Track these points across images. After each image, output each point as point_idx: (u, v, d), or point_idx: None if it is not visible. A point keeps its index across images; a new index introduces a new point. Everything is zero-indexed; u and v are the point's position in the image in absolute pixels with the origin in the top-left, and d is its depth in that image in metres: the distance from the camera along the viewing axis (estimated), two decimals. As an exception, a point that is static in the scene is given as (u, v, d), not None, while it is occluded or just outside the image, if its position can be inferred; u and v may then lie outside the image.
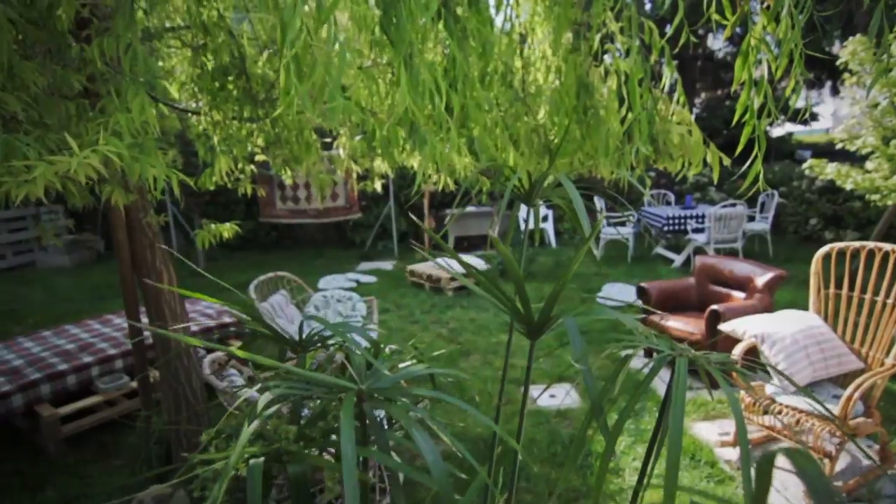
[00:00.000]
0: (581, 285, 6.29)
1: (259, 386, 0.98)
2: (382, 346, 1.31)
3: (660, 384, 3.59)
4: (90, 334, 3.84)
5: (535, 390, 3.71)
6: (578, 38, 1.62)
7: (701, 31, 11.32)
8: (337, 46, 0.85)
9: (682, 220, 6.93)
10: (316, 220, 8.58)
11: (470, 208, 9.08)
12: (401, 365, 1.23)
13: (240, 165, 2.18)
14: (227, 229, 2.41)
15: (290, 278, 4.05)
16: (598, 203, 7.89)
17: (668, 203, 8.60)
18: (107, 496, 2.67)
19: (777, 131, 12.36)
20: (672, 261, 7.10)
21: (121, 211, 2.52)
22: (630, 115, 1.64)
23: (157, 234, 2.66)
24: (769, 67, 1.31)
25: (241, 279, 4.56)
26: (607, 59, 1.74)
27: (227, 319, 4.16)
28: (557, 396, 3.61)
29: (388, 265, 7.82)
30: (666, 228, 6.95)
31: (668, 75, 1.61)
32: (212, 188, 2.19)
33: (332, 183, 2.44)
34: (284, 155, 1.97)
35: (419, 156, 1.39)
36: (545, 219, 8.95)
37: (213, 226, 2.43)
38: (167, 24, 2.04)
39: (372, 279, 6.96)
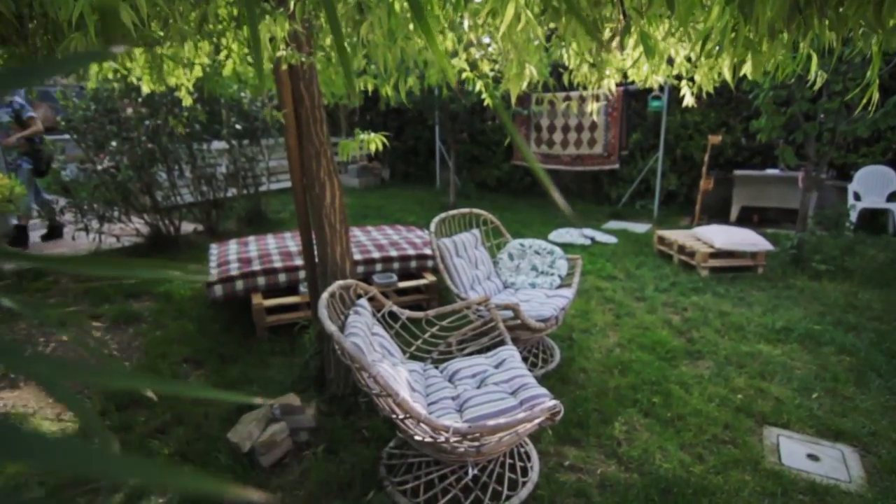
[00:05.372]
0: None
1: None
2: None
3: None
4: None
5: (786, 439, 2.45)
6: None
7: None
8: None
9: None
10: (569, 168, 7.87)
11: (770, 171, 6.91)
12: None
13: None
14: (374, 139, 2.06)
15: (487, 218, 3.59)
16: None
17: None
18: (266, 390, 2.82)
19: None
20: None
21: (292, 116, 2.43)
22: None
23: (326, 145, 2.50)
24: None
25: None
26: None
27: (427, 251, 4.02)
28: (822, 460, 2.29)
29: (640, 227, 6.65)
30: None
31: None
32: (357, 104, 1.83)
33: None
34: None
35: None
36: (894, 196, 6.16)
37: (361, 136, 2.10)
38: None
39: (612, 239, 5.99)
